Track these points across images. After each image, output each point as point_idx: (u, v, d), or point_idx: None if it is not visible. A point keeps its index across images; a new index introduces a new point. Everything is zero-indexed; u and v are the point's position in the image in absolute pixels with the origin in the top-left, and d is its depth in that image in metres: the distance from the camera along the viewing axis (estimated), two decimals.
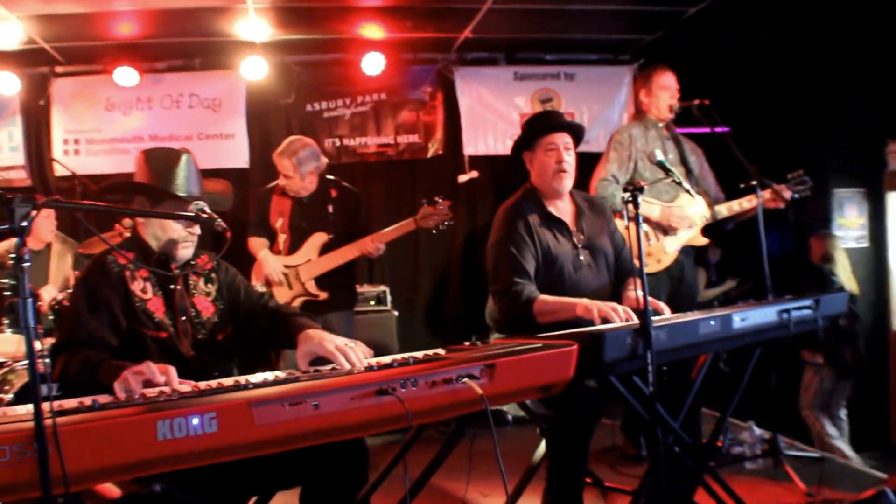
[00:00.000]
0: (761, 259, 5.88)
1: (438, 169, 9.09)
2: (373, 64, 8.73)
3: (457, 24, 8.37)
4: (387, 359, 3.43)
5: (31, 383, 2.38)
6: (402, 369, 3.11)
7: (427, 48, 9.14)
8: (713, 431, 4.65)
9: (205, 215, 3.51)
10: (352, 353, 3.33)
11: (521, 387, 3.42)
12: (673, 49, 8.53)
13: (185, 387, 3.03)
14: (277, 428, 2.73)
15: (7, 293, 6.36)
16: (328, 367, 3.34)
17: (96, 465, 2.46)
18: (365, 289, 7.96)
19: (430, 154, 9.26)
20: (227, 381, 3.12)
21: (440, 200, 6.42)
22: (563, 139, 4.85)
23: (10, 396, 5.68)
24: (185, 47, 8.84)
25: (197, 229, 3.78)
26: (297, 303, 6.49)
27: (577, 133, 4.96)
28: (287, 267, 6.54)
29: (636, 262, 5.19)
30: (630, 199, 3.95)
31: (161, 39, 8.54)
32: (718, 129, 6.13)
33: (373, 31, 8.53)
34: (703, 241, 6.35)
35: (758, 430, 6.17)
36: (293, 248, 6.60)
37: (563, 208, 4.93)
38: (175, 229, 3.73)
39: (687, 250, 6.33)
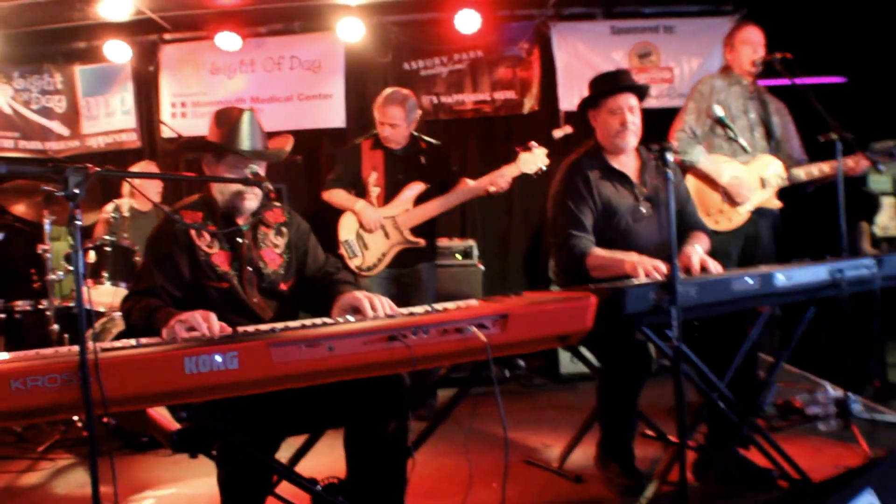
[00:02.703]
0: (838, 220, 5.80)
1: (534, 125, 9.07)
2: (468, 22, 8.80)
3: None
4: (419, 309, 3.63)
5: (78, 323, 2.71)
6: (418, 318, 3.33)
7: (523, 5, 9.16)
8: (756, 389, 4.70)
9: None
10: (377, 301, 3.62)
11: (533, 336, 3.57)
12: None
13: (226, 331, 3.28)
14: (294, 366, 3.01)
15: (107, 249, 6.73)
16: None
17: (131, 392, 2.82)
18: (453, 242, 8.10)
19: (525, 110, 9.30)
20: (264, 327, 3.37)
21: (535, 145, 6.50)
22: (628, 101, 4.90)
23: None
24: (284, 12, 9.11)
25: (262, 171, 4.01)
26: (395, 251, 6.70)
27: (641, 93, 5.02)
28: (385, 217, 6.72)
29: (699, 218, 5.31)
30: (658, 155, 4.03)
31: (262, 5, 8.85)
32: (800, 83, 6.06)
33: None
34: (777, 203, 6.30)
35: (832, 391, 6.08)
36: (388, 199, 6.77)
37: (626, 162, 4.99)
38: (233, 185, 3.96)
39: (765, 211, 6.30)
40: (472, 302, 3.76)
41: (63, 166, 2.85)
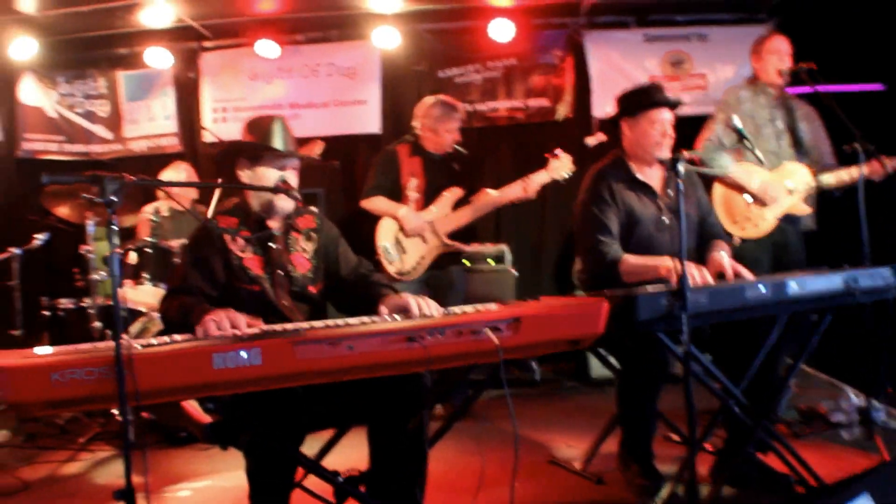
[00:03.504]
0: (860, 227, 5.84)
1: (567, 132, 9.10)
2: (502, 30, 8.88)
3: None
4: (457, 309, 3.83)
5: (115, 321, 2.92)
6: (437, 320, 3.50)
7: (557, 13, 9.22)
8: (769, 394, 4.73)
9: (283, 185, 4.06)
10: (423, 302, 3.82)
11: (545, 339, 3.69)
12: (811, 4, 8.30)
13: (254, 329, 3.47)
14: (315, 363, 3.17)
15: (148, 250, 6.94)
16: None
17: (163, 385, 3.00)
18: (485, 247, 8.20)
19: (558, 117, 9.36)
20: (290, 326, 3.55)
21: (562, 153, 6.72)
22: (667, 114, 5.03)
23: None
24: (322, 20, 9.27)
25: (294, 180, 4.24)
26: (433, 255, 6.91)
27: (676, 109, 5.12)
28: (424, 221, 6.89)
29: (722, 229, 5.41)
30: (671, 167, 4.12)
31: (300, 14, 9.01)
32: (824, 92, 6.11)
33: None
34: (806, 209, 6.37)
35: (855, 399, 6.11)
36: (426, 205, 6.94)
37: (651, 174, 5.10)
38: (272, 182, 4.16)
39: (792, 218, 6.39)
40: (491, 306, 3.89)
41: (101, 175, 3.06)
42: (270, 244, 4.20)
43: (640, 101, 5.11)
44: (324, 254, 4.36)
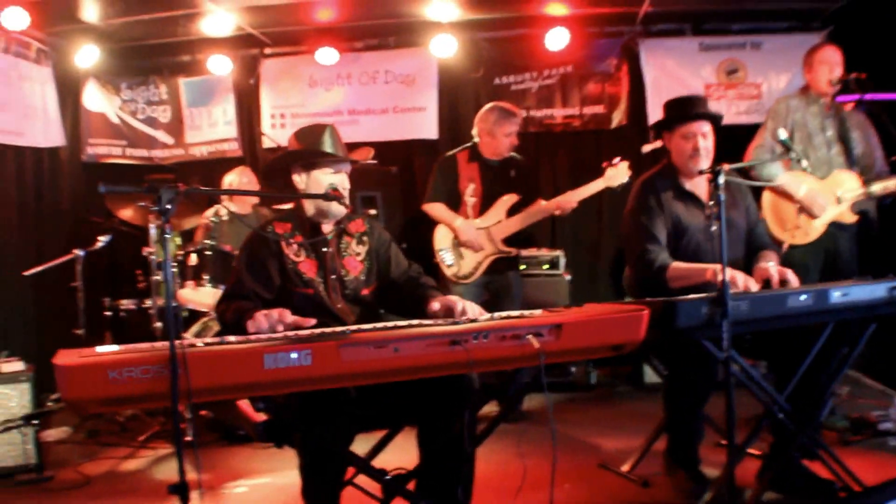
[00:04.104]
0: None
1: (623, 139, 9.14)
2: (557, 39, 8.93)
3: None
4: (502, 314, 3.92)
5: (168, 322, 3.05)
6: (481, 324, 3.57)
7: (612, 21, 9.25)
8: (812, 401, 4.73)
9: (333, 192, 4.18)
10: (468, 305, 3.94)
11: (586, 345, 3.76)
12: (866, 13, 8.25)
13: (304, 331, 3.58)
14: (362, 365, 3.28)
15: (208, 253, 7.09)
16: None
17: (216, 384, 3.13)
18: (540, 253, 8.28)
19: (614, 125, 9.41)
20: (339, 329, 3.64)
21: (619, 160, 6.79)
22: (701, 127, 5.02)
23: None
24: (380, 28, 9.39)
25: (346, 183, 4.36)
26: (489, 260, 7.02)
27: (715, 120, 5.12)
28: (480, 228, 7.01)
29: (770, 238, 5.45)
30: (712, 177, 4.19)
31: (358, 22, 9.12)
32: (872, 100, 6.15)
33: (556, 8, 8.76)
34: (852, 217, 6.38)
35: None
36: (483, 210, 7.07)
37: (698, 183, 5.12)
38: (324, 188, 4.27)
39: (843, 226, 6.40)
40: (536, 312, 3.98)
41: (156, 185, 3.21)
42: (324, 248, 4.33)
43: (674, 115, 5.16)
44: (375, 256, 4.47)
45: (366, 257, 4.44)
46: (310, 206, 4.37)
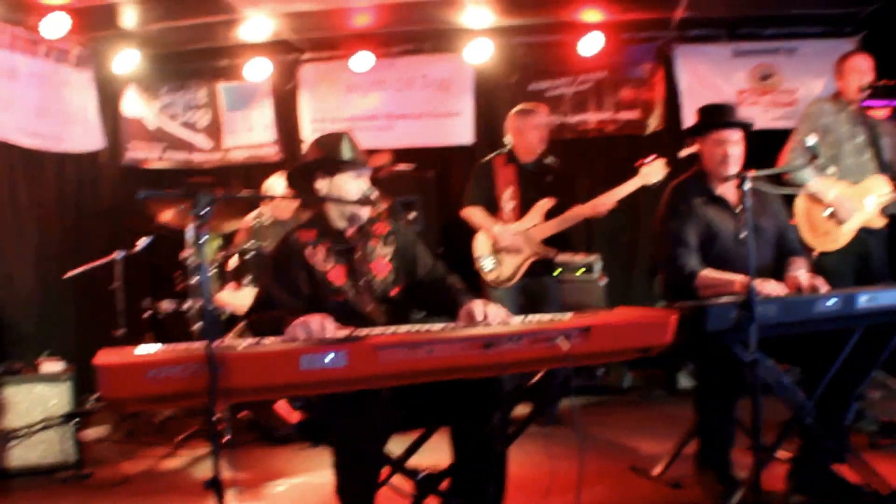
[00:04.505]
0: None
1: (658, 144, 8.98)
2: (592, 44, 8.98)
3: (669, 4, 8.54)
4: (534, 317, 3.98)
5: (205, 322, 3.13)
6: (512, 328, 3.67)
7: (647, 27, 9.28)
8: (839, 407, 4.74)
9: (366, 198, 4.29)
10: (490, 310, 3.96)
11: (614, 348, 3.84)
12: None
13: (343, 332, 3.65)
14: (397, 366, 3.37)
15: (248, 256, 7.18)
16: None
17: (253, 384, 3.23)
18: (576, 257, 8.31)
19: (649, 130, 9.45)
20: (376, 330, 3.74)
21: (653, 158, 6.84)
22: (733, 135, 5.07)
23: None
24: (416, 34, 9.47)
25: (367, 188, 4.41)
26: (528, 263, 7.07)
27: (746, 128, 5.17)
28: (518, 232, 7.06)
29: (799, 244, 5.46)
30: (739, 183, 4.27)
31: (394, 28, 9.20)
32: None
33: (591, 14, 8.81)
34: (882, 221, 6.40)
35: None
36: (521, 213, 7.12)
37: (728, 189, 5.15)
38: (350, 194, 4.34)
39: (874, 231, 6.43)
40: (566, 315, 4.04)
41: (194, 190, 3.30)
42: (352, 254, 4.39)
43: (706, 121, 5.21)
44: (401, 256, 4.53)
45: (392, 258, 4.49)
46: (334, 212, 4.44)
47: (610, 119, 9.57)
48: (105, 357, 3.13)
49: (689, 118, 9.08)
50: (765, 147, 6.25)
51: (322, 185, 4.40)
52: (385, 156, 4.62)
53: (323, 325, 3.67)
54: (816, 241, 6.39)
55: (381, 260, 4.45)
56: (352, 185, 4.36)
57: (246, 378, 3.17)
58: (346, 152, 4.38)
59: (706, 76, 9.30)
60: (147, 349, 3.35)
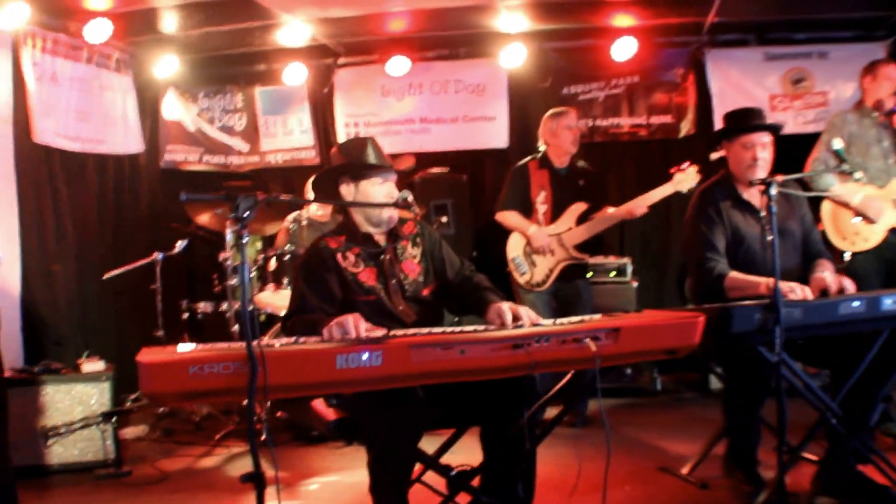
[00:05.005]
0: None
1: (690, 148, 9.10)
2: (624, 49, 9.02)
3: (701, 9, 8.55)
4: (576, 318, 4.06)
5: (245, 322, 3.23)
6: (542, 329, 3.76)
7: (679, 32, 9.31)
8: (865, 408, 4.76)
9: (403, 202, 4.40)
10: (522, 312, 4.03)
11: (642, 349, 3.93)
12: None
13: (379, 332, 3.75)
14: (429, 365, 3.47)
15: (287, 257, 7.29)
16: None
17: (290, 381, 3.34)
18: (608, 260, 8.40)
19: (682, 134, 9.48)
20: (410, 331, 3.83)
21: (688, 165, 6.92)
22: (761, 138, 5.13)
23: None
24: (450, 39, 9.57)
25: (394, 192, 4.50)
26: (560, 267, 7.16)
27: (775, 131, 5.23)
28: (551, 235, 7.17)
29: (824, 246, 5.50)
30: (765, 188, 4.34)
31: (429, 33, 9.30)
32: None
33: (623, 19, 8.86)
34: None
35: None
36: (554, 217, 7.23)
37: (755, 193, 5.20)
38: (376, 197, 4.45)
39: None
40: (596, 316, 4.14)
41: (235, 194, 3.41)
42: (381, 256, 4.48)
43: (732, 125, 5.28)
44: (430, 257, 4.61)
45: (421, 259, 4.58)
46: (361, 217, 4.53)
47: (642, 123, 9.60)
48: (147, 355, 3.25)
49: (720, 122, 8.97)
50: (797, 151, 6.32)
51: (347, 190, 4.49)
52: (409, 159, 4.71)
53: (357, 324, 3.76)
54: (844, 243, 6.44)
55: (411, 261, 4.54)
56: (377, 190, 4.45)
57: (284, 376, 3.26)
58: (371, 157, 4.47)
59: (738, 80, 9.31)
60: (187, 347, 3.46)
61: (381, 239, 4.53)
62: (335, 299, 4.33)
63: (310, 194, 7.92)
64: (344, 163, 4.50)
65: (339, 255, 4.41)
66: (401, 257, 4.52)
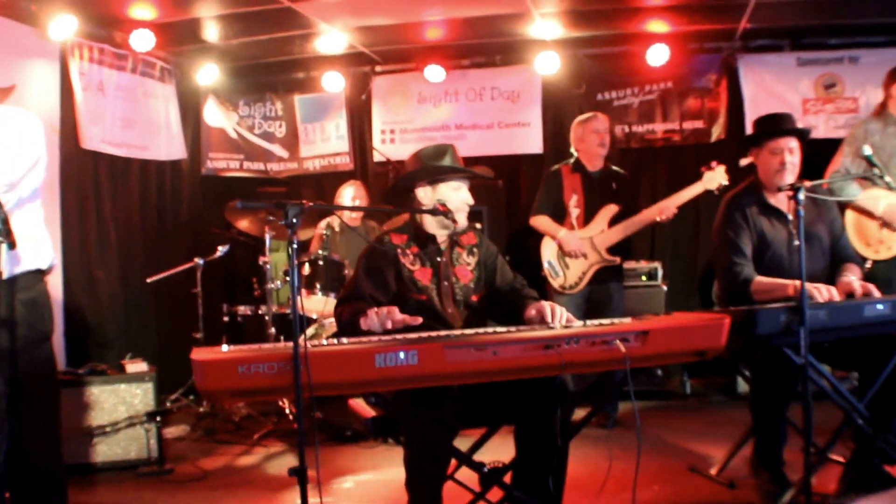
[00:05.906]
0: None
1: (721, 153, 8.91)
2: (658, 55, 9.10)
3: (733, 16, 8.60)
4: (606, 321, 4.16)
5: (293, 322, 3.43)
6: (573, 330, 3.88)
7: (711, 38, 9.37)
8: (892, 410, 4.76)
9: (442, 208, 4.49)
10: (557, 310, 4.20)
11: (671, 350, 4.04)
12: None
13: (416, 321, 3.99)
14: (463, 365, 3.62)
15: (320, 263, 7.45)
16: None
17: (332, 379, 3.49)
18: (639, 264, 8.51)
19: (713, 139, 9.52)
20: (446, 333, 3.98)
21: (716, 164, 7.00)
22: (789, 143, 5.22)
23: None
24: (486, 46, 9.66)
25: (469, 199, 4.63)
26: (593, 270, 7.27)
27: (803, 136, 5.32)
28: (583, 238, 7.27)
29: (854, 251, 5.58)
30: (793, 193, 4.44)
31: (465, 41, 9.41)
32: None
33: (657, 26, 8.95)
34: None
35: None
36: (586, 220, 7.34)
37: (782, 198, 5.27)
38: (452, 201, 4.55)
39: None
40: (626, 319, 4.23)
41: (285, 202, 3.60)
42: (438, 258, 4.63)
43: (763, 130, 5.38)
44: (483, 267, 4.76)
45: (475, 267, 4.74)
46: (428, 219, 4.66)
47: (675, 128, 9.65)
48: (200, 354, 3.42)
49: (752, 127, 9.12)
50: (828, 155, 6.39)
51: (423, 194, 4.61)
52: (486, 170, 4.85)
53: (392, 313, 3.96)
54: (868, 251, 6.51)
55: (465, 267, 4.70)
56: (453, 195, 4.57)
57: (326, 374, 3.42)
58: (449, 163, 4.61)
59: (770, 85, 9.35)
60: (233, 348, 3.62)
61: (443, 242, 4.67)
62: (389, 291, 4.48)
63: (341, 200, 8.11)
64: (421, 167, 4.64)
65: (399, 251, 4.56)
66: (455, 262, 4.68)
